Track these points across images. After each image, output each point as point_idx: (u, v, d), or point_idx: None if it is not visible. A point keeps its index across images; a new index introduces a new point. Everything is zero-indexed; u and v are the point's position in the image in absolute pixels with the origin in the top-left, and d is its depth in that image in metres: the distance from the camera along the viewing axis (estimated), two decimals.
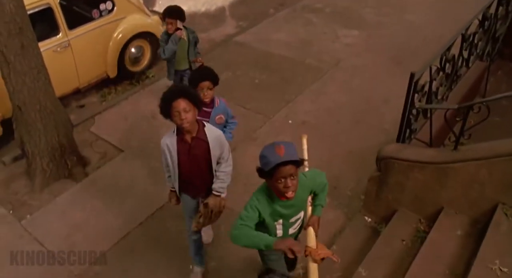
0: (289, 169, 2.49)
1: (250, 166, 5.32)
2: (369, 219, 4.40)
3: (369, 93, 6.50)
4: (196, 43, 5.61)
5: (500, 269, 3.32)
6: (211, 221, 3.65)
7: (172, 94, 3.16)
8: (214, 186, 3.48)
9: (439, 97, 4.43)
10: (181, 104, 3.11)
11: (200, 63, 5.46)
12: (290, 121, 6.05)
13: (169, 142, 3.34)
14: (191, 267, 4.16)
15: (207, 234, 4.33)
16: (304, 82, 6.85)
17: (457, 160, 3.72)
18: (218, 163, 3.48)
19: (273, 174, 2.51)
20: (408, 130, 4.09)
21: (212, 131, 3.38)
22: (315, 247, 2.69)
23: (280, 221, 2.84)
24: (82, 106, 6.73)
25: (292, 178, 2.53)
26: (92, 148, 5.78)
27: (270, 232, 2.84)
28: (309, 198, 3.00)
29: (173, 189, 3.69)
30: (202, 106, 3.38)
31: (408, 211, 4.13)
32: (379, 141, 4.98)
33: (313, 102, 6.43)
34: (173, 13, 5.24)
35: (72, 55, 6.11)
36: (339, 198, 4.78)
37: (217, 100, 4.05)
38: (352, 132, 5.78)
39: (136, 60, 7.10)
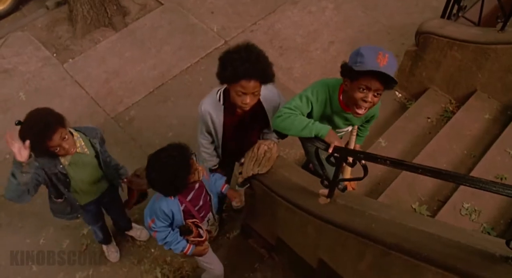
0: (379, 83, 2.10)
1: (288, 30, 5.35)
2: (400, 94, 4.39)
3: None
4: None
5: None
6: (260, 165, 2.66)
7: (248, 67, 2.25)
8: (268, 136, 2.83)
9: None
10: (252, 86, 2.33)
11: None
12: None
13: (214, 112, 2.60)
14: None
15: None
16: None
17: (501, 41, 3.54)
18: None
19: (359, 78, 2.11)
20: (456, 6, 3.86)
21: (269, 101, 2.65)
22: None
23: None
24: None
25: (375, 94, 2.14)
26: None
27: None
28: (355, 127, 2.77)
29: (215, 167, 2.97)
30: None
31: (439, 90, 4.09)
32: (424, 18, 4.76)
33: None
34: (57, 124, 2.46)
35: None
36: None
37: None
38: (397, 6, 5.49)
39: None
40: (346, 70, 2.15)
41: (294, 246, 3.02)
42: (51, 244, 3.74)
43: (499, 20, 3.63)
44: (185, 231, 2.63)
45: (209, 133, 2.76)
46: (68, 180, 2.74)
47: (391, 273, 2.26)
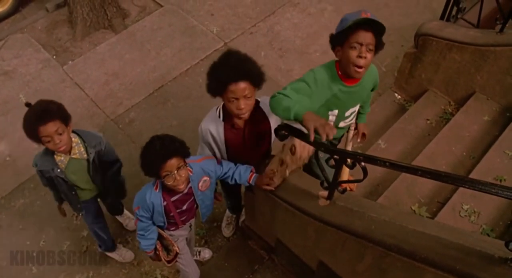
0: (369, 36, 2.12)
1: (287, 32, 5.37)
2: (399, 96, 4.39)
3: None
4: (113, 163, 3.00)
5: None
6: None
7: (230, 71, 2.16)
8: None
9: None
10: (242, 88, 2.18)
11: None
12: None
13: (214, 129, 2.46)
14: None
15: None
16: None
17: (500, 43, 3.55)
18: None
19: (348, 37, 2.13)
20: (455, 8, 3.87)
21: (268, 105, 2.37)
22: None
23: (336, 111, 2.49)
24: None
25: (368, 49, 2.15)
26: (132, 1, 5.78)
27: None
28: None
29: None
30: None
31: (438, 92, 4.10)
32: (423, 20, 4.78)
33: None
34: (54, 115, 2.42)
35: None
36: None
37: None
38: (396, 8, 5.51)
39: None
40: (335, 37, 2.21)
41: (293, 248, 3.02)
42: (51, 246, 3.75)
43: (498, 22, 3.64)
44: (160, 239, 2.76)
45: (213, 154, 2.63)
46: (67, 181, 2.73)
47: (390, 274, 2.26)
